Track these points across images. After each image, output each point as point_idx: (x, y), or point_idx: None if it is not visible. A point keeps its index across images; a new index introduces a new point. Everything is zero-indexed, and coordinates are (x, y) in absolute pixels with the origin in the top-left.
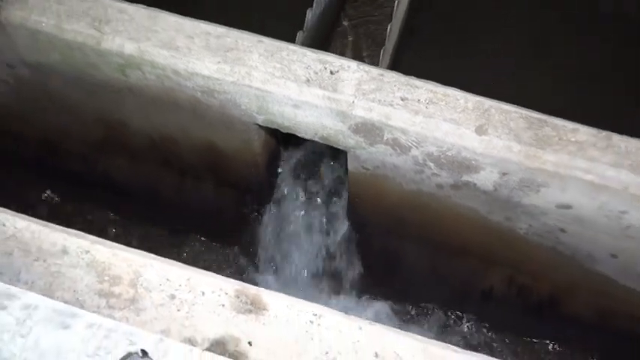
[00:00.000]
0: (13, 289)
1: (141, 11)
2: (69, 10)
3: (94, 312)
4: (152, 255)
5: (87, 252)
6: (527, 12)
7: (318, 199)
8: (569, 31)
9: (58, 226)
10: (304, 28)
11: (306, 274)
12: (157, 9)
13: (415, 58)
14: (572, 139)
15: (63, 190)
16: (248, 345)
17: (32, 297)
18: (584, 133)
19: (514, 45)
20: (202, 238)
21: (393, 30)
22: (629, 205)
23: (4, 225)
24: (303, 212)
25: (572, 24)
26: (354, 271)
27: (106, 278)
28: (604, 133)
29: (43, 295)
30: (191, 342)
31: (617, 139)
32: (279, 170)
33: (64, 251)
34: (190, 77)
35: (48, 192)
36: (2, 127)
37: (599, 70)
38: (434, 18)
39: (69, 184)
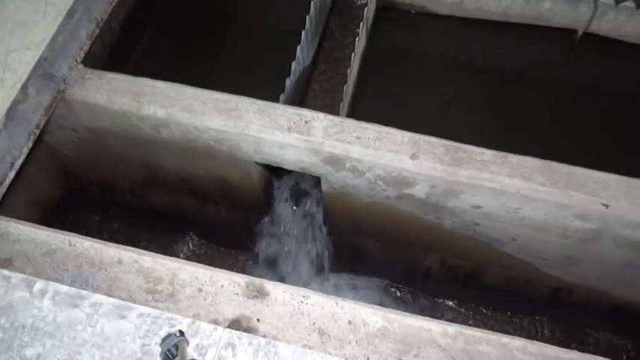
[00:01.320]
0: (83, 292)
1: (168, 86)
2: (115, 88)
3: (143, 305)
4: (184, 260)
5: (136, 261)
6: (445, 75)
7: (303, 212)
8: (475, 87)
9: (114, 244)
10: (285, 92)
11: (297, 264)
12: (179, 84)
13: (365, 108)
14: (479, 159)
15: (118, 217)
16: (257, 322)
17: (97, 297)
18: (487, 154)
19: (438, 95)
20: (221, 247)
21: (349, 89)
22: (522, 202)
23: (75, 245)
24: (292, 222)
25: (477, 81)
26: (330, 260)
27: (151, 280)
28: (501, 154)
29: (106, 295)
30: (215, 322)
31: (510, 157)
32: (274, 193)
33: (120, 262)
34: (205, 131)
35: (107, 219)
36: (72, 174)
37: (495, 111)
38: (377, 79)
39: (122, 213)
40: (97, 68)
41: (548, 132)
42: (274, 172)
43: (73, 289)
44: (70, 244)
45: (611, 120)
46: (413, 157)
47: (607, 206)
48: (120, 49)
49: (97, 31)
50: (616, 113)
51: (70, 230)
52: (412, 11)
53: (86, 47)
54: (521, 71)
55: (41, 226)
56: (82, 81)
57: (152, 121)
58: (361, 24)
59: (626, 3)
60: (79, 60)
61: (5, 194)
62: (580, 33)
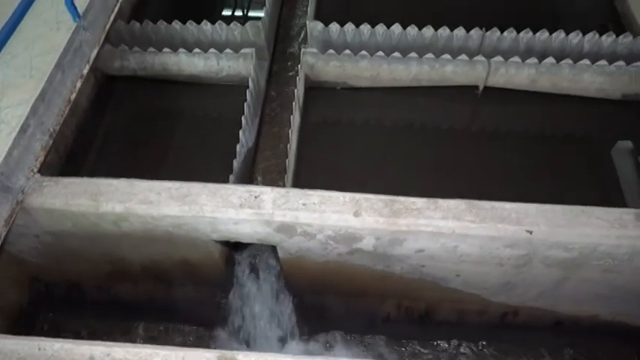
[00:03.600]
0: None
1: (122, 182)
2: (72, 191)
3: None
4: (155, 345)
5: (108, 355)
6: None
7: (266, 279)
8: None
9: (84, 341)
10: (233, 173)
11: (265, 332)
12: (133, 179)
13: (308, 177)
14: (414, 207)
15: (87, 313)
16: None
17: None
18: (420, 202)
19: (370, 156)
20: (191, 326)
21: (290, 162)
22: (458, 241)
23: (44, 349)
24: (256, 289)
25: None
26: (296, 321)
27: None
28: (432, 200)
29: None
30: None
31: (440, 202)
32: (236, 266)
33: (92, 357)
34: (163, 219)
35: (76, 318)
36: (37, 278)
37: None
38: (315, 150)
39: (91, 309)
40: (53, 175)
41: (468, 175)
42: (233, 246)
43: None
44: (39, 349)
45: (518, 158)
46: (356, 214)
47: (531, 232)
48: (75, 155)
49: (51, 141)
50: (520, 152)
51: (40, 333)
52: (337, 87)
53: (41, 158)
54: (436, 126)
55: (7, 335)
56: (40, 189)
57: (111, 217)
58: (294, 104)
59: (513, 59)
60: (35, 170)
61: None
62: (481, 88)
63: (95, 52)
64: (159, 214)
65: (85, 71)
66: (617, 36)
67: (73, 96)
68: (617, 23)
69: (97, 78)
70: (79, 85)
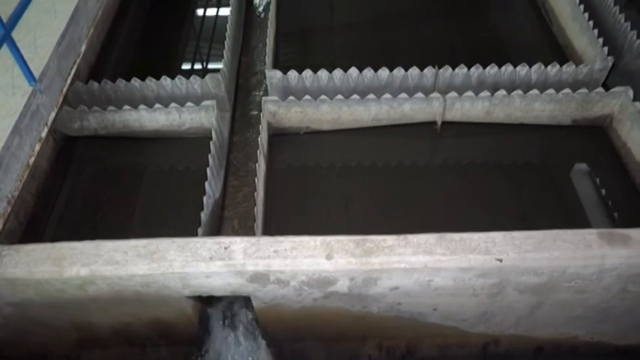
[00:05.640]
0: None
1: (87, 244)
2: (34, 258)
3: None
4: None
5: None
6: (338, 179)
7: (241, 333)
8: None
9: None
10: (201, 225)
11: None
12: (98, 240)
13: (278, 223)
14: (385, 245)
15: None
16: None
17: None
18: (390, 239)
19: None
20: None
21: (259, 209)
22: (432, 275)
23: None
24: (232, 345)
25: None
26: None
27: None
28: (402, 236)
29: None
30: None
31: (410, 237)
32: (210, 321)
33: None
34: (131, 278)
35: None
36: (1, 353)
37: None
38: (283, 195)
39: None
40: (13, 243)
41: (435, 209)
42: (206, 301)
43: None
44: None
45: (481, 188)
46: (328, 257)
47: (501, 260)
48: (36, 219)
49: (9, 208)
50: (483, 182)
51: None
52: (300, 132)
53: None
54: (400, 163)
55: None
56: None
57: (76, 282)
58: (258, 151)
59: (467, 93)
60: None
61: None
62: (439, 123)
63: (53, 114)
64: (127, 274)
65: (44, 134)
66: (561, 66)
67: (32, 160)
68: (559, 54)
69: (57, 140)
70: (37, 148)
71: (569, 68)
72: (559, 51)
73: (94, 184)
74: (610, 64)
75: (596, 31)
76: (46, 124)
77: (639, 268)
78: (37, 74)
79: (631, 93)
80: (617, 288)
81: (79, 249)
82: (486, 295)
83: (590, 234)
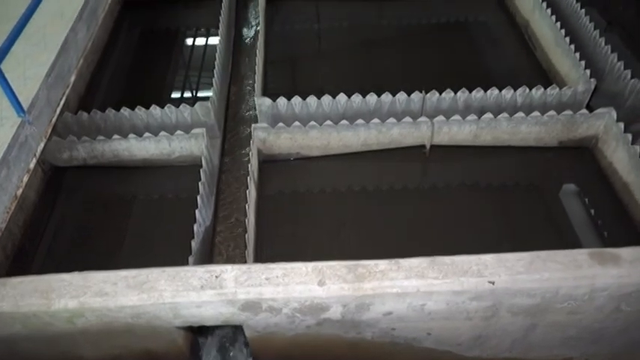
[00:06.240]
0: None
1: (75, 276)
2: (21, 291)
3: None
4: None
5: None
6: (328, 205)
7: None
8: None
9: None
10: (192, 254)
11: None
12: (87, 271)
13: (269, 250)
14: (377, 270)
15: None
16: None
17: None
18: (382, 264)
19: (328, 222)
20: None
21: (250, 237)
22: (425, 299)
23: None
24: None
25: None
26: None
27: None
28: (394, 261)
29: None
30: None
31: (402, 261)
32: (201, 353)
33: None
34: (121, 310)
35: None
36: None
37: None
38: (274, 222)
39: None
40: (0, 276)
41: (426, 232)
42: (198, 331)
43: None
44: None
45: (471, 211)
46: (320, 283)
47: (493, 283)
48: (24, 251)
49: None
50: (473, 204)
51: None
52: (290, 158)
53: None
54: (389, 187)
55: None
56: None
57: (65, 314)
58: (248, 178)
59: (454, 117)
60: None
61: None
62: (428, 147)
63: (42, 145)
64: (116, 306)
65: (32, 165)
66: (545, 89)
67: (20, 191)
68: (543, 77)
69: (45, 170)
70: (25, 179)
71: (553, 91)
72: (543, 75)
73: (83, 214)
74: (593, 86)
75: (577, 54)
76: (35, 154)
77: (630, 288)
78: (26, 105)
79: (614, 114)
80: (610, 308)
81: (67, 281)
82: (480, 318)
83: (580, 254)
